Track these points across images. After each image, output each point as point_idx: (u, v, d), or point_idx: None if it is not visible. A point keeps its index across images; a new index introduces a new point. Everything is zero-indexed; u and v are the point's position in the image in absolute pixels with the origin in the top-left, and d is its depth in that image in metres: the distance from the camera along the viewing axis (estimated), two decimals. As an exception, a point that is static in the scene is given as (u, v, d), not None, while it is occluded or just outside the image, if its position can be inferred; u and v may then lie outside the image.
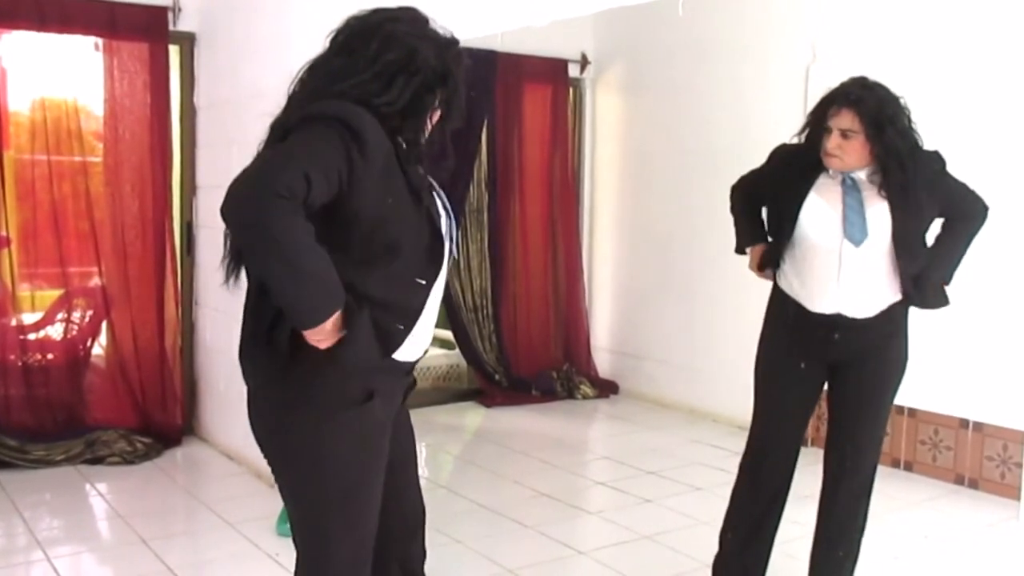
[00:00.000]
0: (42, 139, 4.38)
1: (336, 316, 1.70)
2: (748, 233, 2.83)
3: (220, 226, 1.78)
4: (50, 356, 4.49)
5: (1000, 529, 3.74)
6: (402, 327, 1.81)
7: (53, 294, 4.56)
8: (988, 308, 3.99)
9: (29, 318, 4.47)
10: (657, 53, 5.63)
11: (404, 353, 1.85)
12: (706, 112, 5.26)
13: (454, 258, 1.99)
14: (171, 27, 4.56)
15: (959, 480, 4.16)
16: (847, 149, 2.50)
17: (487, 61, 5.37)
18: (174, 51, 4.64)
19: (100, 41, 4.48)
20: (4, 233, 4.33)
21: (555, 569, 3.28)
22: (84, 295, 4.58)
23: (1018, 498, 3.87)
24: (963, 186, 2.66)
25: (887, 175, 2.52)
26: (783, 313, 2.70)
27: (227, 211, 1.63)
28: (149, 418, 4.58)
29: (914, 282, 2.59)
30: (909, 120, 2.55)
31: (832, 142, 2.51)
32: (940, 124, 4.09)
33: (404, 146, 1.82)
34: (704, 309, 5.35)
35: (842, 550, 2.73)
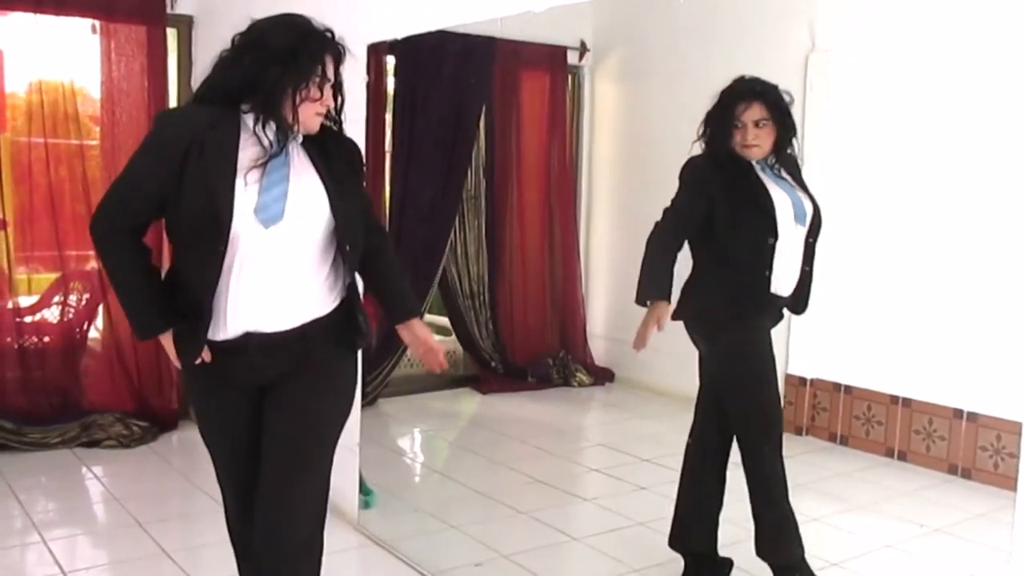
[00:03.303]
0: (39, 122, 4.37)
1: (164, 338, 2.04)
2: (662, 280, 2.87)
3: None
4: (46, 339, 4.48)
5: (993, 519, 3.75)
6: (209, 293, 1.96)
7: (49, 277, 4.56)
8: (983, 298, 4.00)
9: (25, 301, 4.47)
10: (656, 41, 5.61)
11: (218, 331, 2.00)
12: (705, 101, 5.23)
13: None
14: (169, 10, 4.54)
15: (952, 470, 4.17)
16: (763, 137, 2.76)
17: (485, 48, 5.35)
18: (171, 34, 4.63)
19: (97, 23, 4.46)
20: (1, 216, 4.32)
21: (549, 555, 3.29)
22: (80, 278, 4.57)
23: (1012, 488, 3.88)
24: None
25: (783, 157, 2.79)
26: (755, 301, 2.78)
27: None
28: (145, 402, 4.58)
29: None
30: None
31: (750, 133, 2.76)
32: (943, 115, 4.10)
33: (261, 119, 1.98)
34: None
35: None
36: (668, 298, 2.84)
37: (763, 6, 4.92)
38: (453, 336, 5.81)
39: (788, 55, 4.73)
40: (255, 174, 1.95)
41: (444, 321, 5.84)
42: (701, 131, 2.89)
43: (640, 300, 2.88)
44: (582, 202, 6.16)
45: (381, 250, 2.23)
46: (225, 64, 2.03)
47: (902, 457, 4.36)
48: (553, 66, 5.84)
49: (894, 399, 4.34)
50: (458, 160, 5.39)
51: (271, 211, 1.95)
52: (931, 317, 4.14)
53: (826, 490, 3.69)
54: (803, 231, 2.76)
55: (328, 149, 2.08)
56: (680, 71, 5.45)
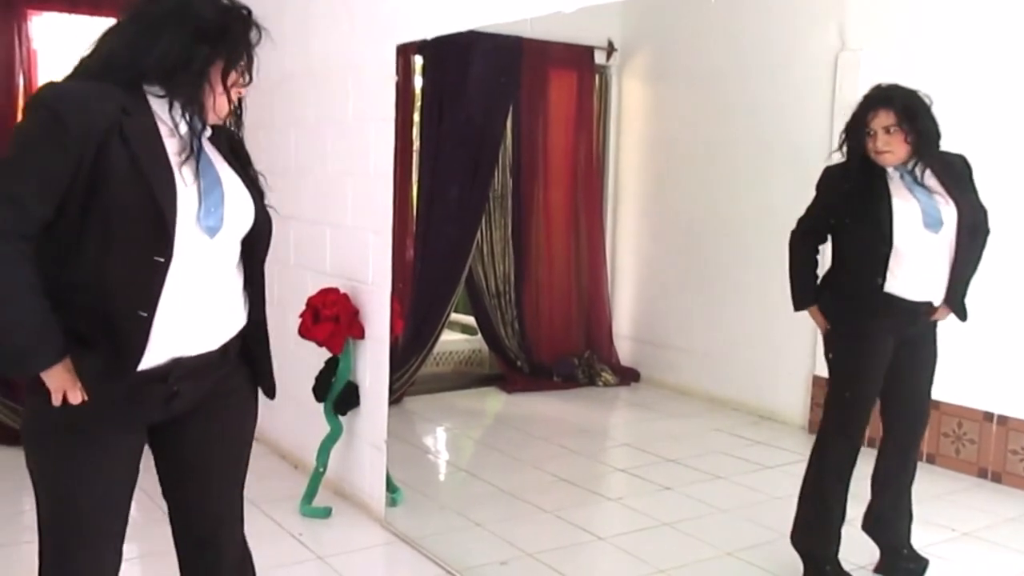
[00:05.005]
0: (72, 120, 4.43)
1: (60, 368, 1.64)
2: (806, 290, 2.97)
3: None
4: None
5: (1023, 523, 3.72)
6: (144, 314, 1.64)
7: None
8: (1013, 301, 3.95)
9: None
10: (683, 41, 5.60)
11: (147, 358, 1.68)
12: (732, 101, 5.23)
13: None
14: (200, 10, 4.59)
15: (982, 473, 4.13)
16: (894, 143, 2.78)
17: (513, 47, 5.36)
18: (202, 34, 4.67)
19: (130, 23, 4.51)
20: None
21: (574, 554, 3.29)
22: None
23: (1042, 493, 3.84)
24: (979, 199, 2.91)
25: (932, 162, 2.81)
26: (867, 305, 2.85)
27: None
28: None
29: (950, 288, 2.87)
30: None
31: (880, 140, 2.79)
32: (974, 114, 4.06)
33: (180, 106, 1.69)
34: (727, 298, 5.33)
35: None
36: (816, 303, 2.97)
37: (792, 5, 4.89)
38: (478, 335, 5.83)
39: (818, 54, 4.70)
40: (189, 172, 1.67)
41: (470, 320, 5.86)
42: (841, 139, 2.94)
43: (797, 309, 3.00)
44: (608, 202, 6.16)
45: None
46: (134, 36, 1.72)
47: (931, 460, 4.31)
48: (580, 66, 5.84)
49: (923, 402, 4.29)
50: (485, 159, 5.41)
51: (214, 217, 1.68)
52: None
53: (854, 492, 3.65)
54: (938, 237, 2.79)
55: (233, 147, 1.85)
56: (708, 71, 5.44)
